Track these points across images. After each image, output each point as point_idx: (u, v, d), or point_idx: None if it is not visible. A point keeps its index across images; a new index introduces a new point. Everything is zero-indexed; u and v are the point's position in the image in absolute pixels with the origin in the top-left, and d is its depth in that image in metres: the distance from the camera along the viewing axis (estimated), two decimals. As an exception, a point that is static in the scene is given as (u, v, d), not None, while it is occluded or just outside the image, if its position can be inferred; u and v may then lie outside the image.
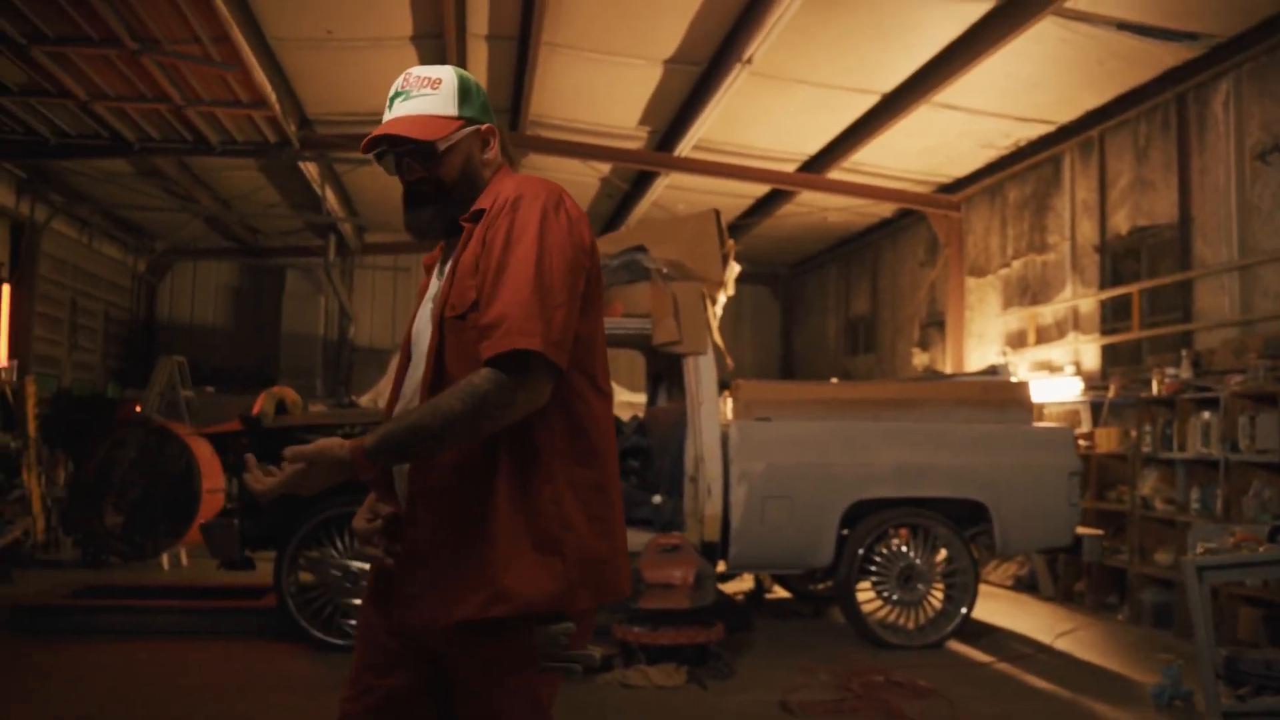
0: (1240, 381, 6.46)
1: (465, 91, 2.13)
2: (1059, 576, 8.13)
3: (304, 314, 15.35)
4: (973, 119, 8.98)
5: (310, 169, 10.88)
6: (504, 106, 9.77)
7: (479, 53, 8.59)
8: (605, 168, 11.00)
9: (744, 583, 8.02)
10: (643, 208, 11.76)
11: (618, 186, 11.75)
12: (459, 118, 2.12)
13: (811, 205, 11.79)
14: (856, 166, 10.25)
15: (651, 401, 7.96)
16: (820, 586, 7.78)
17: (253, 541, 6.23)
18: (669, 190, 11.28)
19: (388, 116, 2.11)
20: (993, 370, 7.18)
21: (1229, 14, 6.89)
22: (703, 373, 6.41)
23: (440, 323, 2.03)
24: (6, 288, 10.59)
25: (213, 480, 8.44)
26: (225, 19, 6.88)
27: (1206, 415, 6.66)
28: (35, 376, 10.30)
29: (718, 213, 6.75)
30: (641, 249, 6.56)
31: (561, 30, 7.92)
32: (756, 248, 13.94)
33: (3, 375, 9.95)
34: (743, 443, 6.28)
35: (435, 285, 2.15)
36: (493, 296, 1.94)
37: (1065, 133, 9.03)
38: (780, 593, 8.03)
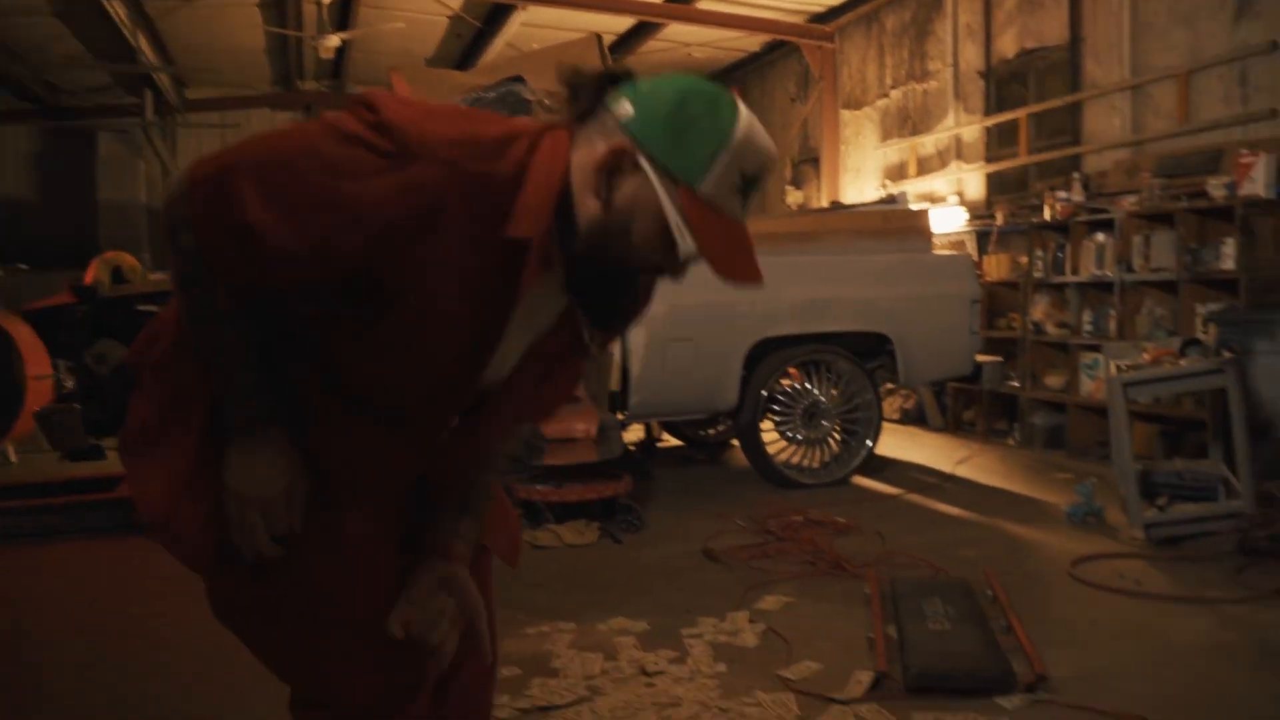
0: (1134, 202, 6.40)
1: None
2: (947, 407, 8.15)
3: (121, 180, 13.98)
4: (851, -61, 8.53)
5: (118, 10, 9.60)
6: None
7: None
8: (455, 2, 10.10)
9: (633, 433, 7.75)
10: (495, 48, 10.93)
11: (469, 24, 10.85)
12: None
13: (675, 40, 11.19)
14: (727, -4, 9.71)
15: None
16: (712, 431, 7.59)
17: (98, 428, 5.58)
18: (524, 28, 10.47)
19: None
20: (891, 199, 6.94)
21: None
22: (593, 212, 5.93)
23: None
24: None
25: (38, 365, 7.54)
26: None
27: (1100, 237, 6.60)
28: None
29: (599, 37, 6.17)
30: (519, 80, 5.93)
31: None
32: (615, 91, 13.32)
33: None
34: (641, 285, 5.88)
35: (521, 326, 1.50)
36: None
37: (948, -48, 8.69)
38: (670, 441, 7.80)
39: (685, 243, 1.36)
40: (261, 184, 1.30)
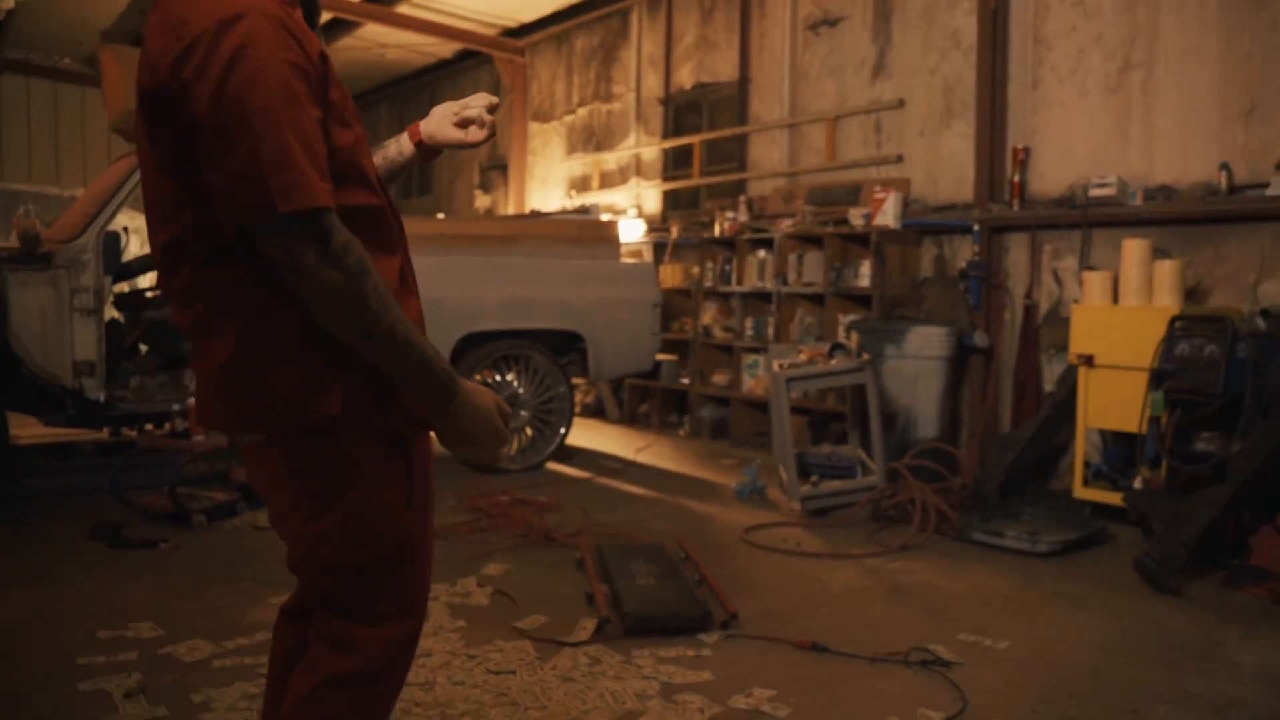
0: (790, 225, 7.41)
1: None
2: (623, 401, 8.91)
3: None
4: (546, -36, 9.11)
5: None
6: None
7: None
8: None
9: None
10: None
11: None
12: None
13: (371, 41, 11.27)
14: (426, 3, 9.96)
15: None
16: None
17: None
18: (214, 10, 10.15)
19: None
20: (585, 210, 7.55)
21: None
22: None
23: None
24: None
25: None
26: None
27: (762, 254, 7.58)
28: None
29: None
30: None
31: None
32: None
33: None
34: (355, 278, 6.10)
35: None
36: None
37: (634, -12, 9.49)
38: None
39: None
40: (311, 159, 1.50)
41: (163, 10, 1.53)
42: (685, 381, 8.24)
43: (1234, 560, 4.37)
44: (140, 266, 6.37)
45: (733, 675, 3.30)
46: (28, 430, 6.69)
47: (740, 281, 7.75)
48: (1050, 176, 6.18)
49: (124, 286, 6.39)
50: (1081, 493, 5.36)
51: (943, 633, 3.75)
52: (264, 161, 1.45)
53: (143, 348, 6.31)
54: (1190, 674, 3.39)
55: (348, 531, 1.71)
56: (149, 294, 6.65)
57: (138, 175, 5.74)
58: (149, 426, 6.53)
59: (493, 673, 3.30)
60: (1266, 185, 5.15)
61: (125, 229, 6.32)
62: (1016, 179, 6.23)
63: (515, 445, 6.71)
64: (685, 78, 9.14)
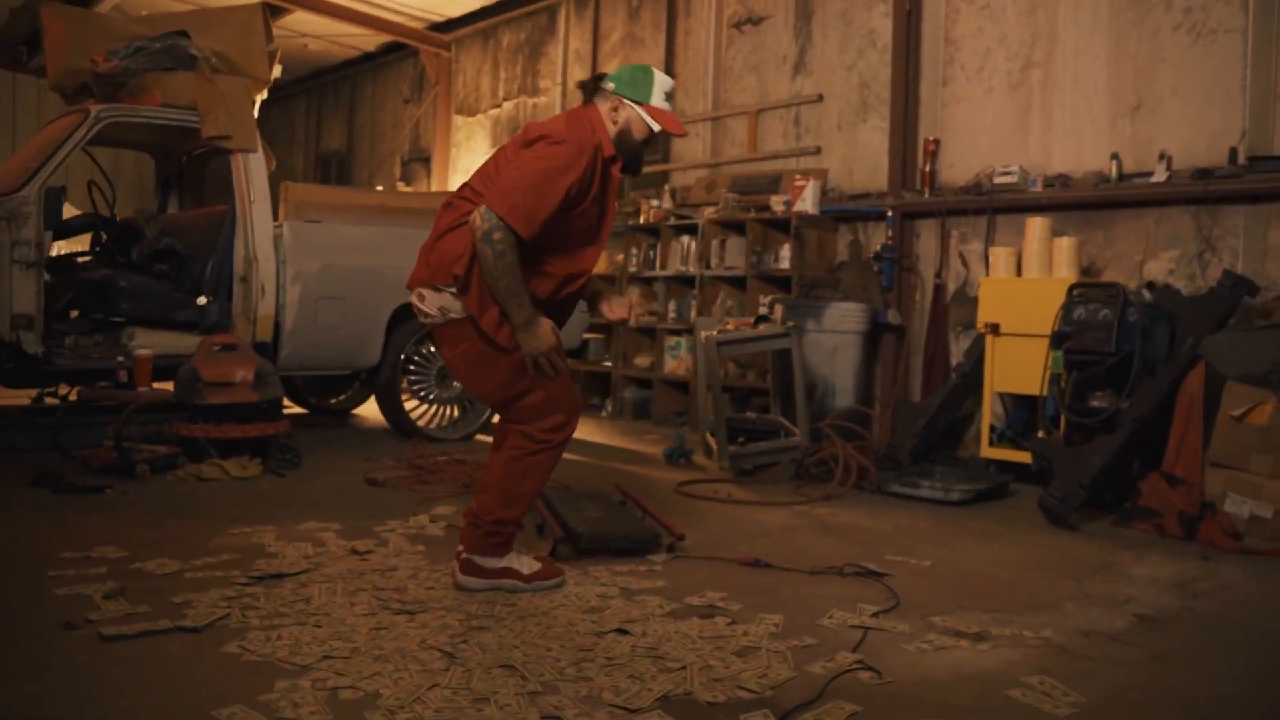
0: (714, 212, 7.77)
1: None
2: (545, 386, 9.12)
3: None
4: (476, -39, 9.35)
5: None
6: None
7: None
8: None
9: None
10: (106, 4, 10.42)
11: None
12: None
13: (294, 30, 11.32)
14: (354, -6, 10.13)
15: (161, 209, 7.41)
16: (335, 400, 7.96)
17: None
18: (140, -11, 10.17)
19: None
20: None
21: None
22: (253, 171, 6.26)
23: None
24: None
25: None
26: None
27: (685, 239, 7.92)
28: None
29: (265, 6, 6.47)
30: (184, 35, 6.10)
31: None
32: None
33: None
34: (297, 243, 6.25)
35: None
36: None
37: (563, -15, 9.80)
38: (292, 408, 8.03)
39: (655, 126, 3.28)
40: (532, 207, 3.07)
41: (560, 122, 3.27)
42: (608, 364, 8.51)
43: (1125, 503, 4.83)
44: (80, 225, 6.39)
45: (685, 583, 3.58)
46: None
47: (664, 266, 8.07)
48: (958, 166, 6.67)
49: (60, 248, 6.39)
50: (987, 452, 5.80)
51: (871, 555, 4.08)
52: (510, 187, 3.10)
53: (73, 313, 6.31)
54: (1091, 583, 3.80)
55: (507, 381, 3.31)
56: (80, 258, 6.66)
57: (81, 133, 5.79)
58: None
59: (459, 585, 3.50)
60: (1151, 173, 5.69)
61: (64, 187, 6.30)
62: (927, 169, 6.70)
63: (447, 415, 6.88)
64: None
